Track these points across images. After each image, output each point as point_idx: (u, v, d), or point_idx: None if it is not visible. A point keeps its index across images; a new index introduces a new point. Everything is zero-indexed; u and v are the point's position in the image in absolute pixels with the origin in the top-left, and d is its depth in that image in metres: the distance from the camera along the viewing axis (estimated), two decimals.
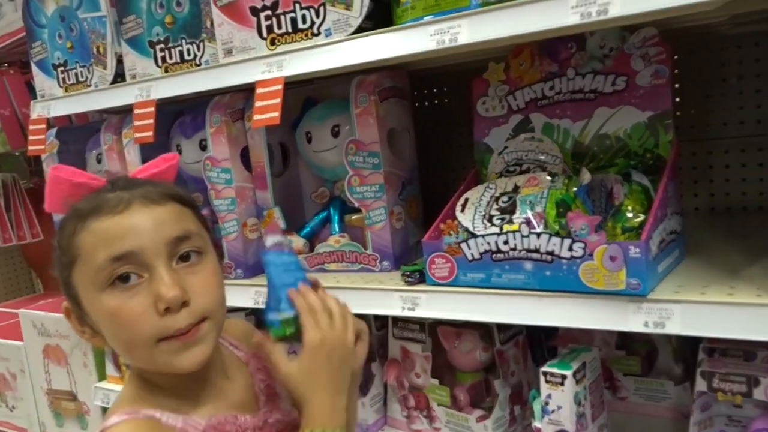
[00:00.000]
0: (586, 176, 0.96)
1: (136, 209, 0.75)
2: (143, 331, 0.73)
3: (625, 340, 1.20)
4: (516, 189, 1.05)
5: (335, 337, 0.79)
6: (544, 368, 0.96)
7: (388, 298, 1.09)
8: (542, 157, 1.09)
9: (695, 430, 0.93)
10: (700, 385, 0.91)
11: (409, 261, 1.26)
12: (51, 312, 1.70)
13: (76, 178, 0.78)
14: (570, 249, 0.89)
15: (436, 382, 1.16)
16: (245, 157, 1.33)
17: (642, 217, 0.86)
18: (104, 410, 1.64)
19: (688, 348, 1.16)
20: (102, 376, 1.64)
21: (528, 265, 0.94)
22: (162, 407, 0.77)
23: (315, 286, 0.87)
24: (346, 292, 1.14)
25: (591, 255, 0.87)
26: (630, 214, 0.86)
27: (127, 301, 0.72)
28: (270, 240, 0.87)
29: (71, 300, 0.79)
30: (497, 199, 1.05)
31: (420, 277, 1.08)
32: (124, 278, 0.73)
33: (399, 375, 1.23)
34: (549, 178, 1.02)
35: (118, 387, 1.59)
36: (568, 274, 0.90)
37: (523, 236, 0.93)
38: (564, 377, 0.94)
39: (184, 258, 0.76)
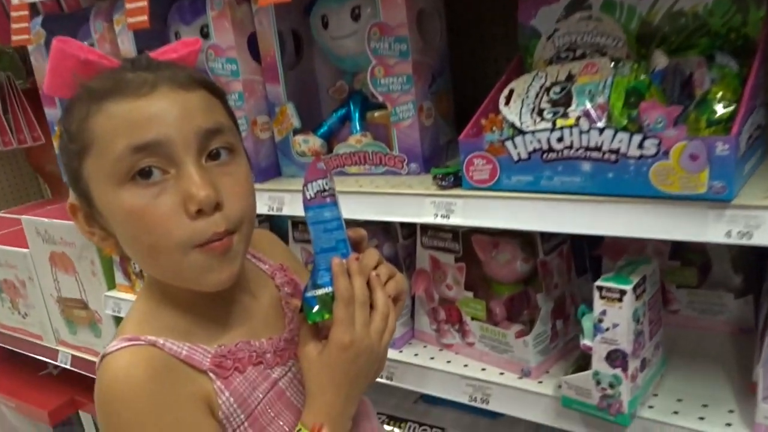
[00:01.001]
0: (661, 59, 0.80)
1: (162, 93, 0.63)
2: (173, 235, 0.62)
3: (679, 249, 1.08)
4: (570, 78, 0.89)
5: (367, 344, 0.68)
6: (599, 282, 0.85)
7: (419, 204, 0.97)
8: (601, 40, 0.93)
9: None
10: None
11: (440, 163, 1.13)
12: (56, 218, 1.60)
13: (86, 54, 0.65)
14: (640, 146, 0.75)
15: (470, 294, 1.06)
16: (253, 46, 1.17)
17: (732, 107, 0.71)
18: (117, 320, 1.58)
19: (747, 258, 1.05)
20: (111, 284, 1.57)
21: (586, 166, 0.81)
22: (169, 331, 0.67)
23: (358, 245, 0.74)
24: (369, 198, 1.02)
25: (666, 153, 0.73)
26: (719, 105, 0.71)
27: (152, 200, 0.62)
28: (310, 189, 0.71)
29: (80, 196, 0.67)
30: (548, 90, 0.90)
31: (455, 181, 0.95)
32: (146, 173, 0.62)
33: (428, 287, 1.13)
34: (612, 63, 0.86)
35: (129, 296, 1.52)
36: (635, 176, 0.77)
37: (581, 132, 0.79)
38: (623, 293, 0.82)
39: (214, 156, 0.65)
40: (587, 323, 0.88)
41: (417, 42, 1.04)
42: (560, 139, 0.81)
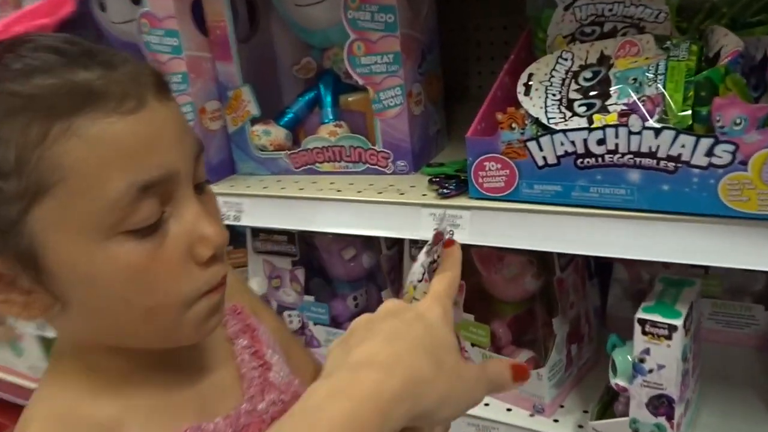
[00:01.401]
0: (729, 39, 0.63)
1: (152, 108, 0.45)
2: (182, 291, 0.48)
3: None
4: (604, 60, 0.72)
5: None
6: (642, 314, 0.70)
7: (414, 216, 0.79)
8: (637, 12, 0.75)
9: None
10: None
11: (430, 158, 0.95)
12: None
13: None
14: (709, 153, 0.59)
15: (470, 317, 0.90)
16: (198, 15, 0.94)
17: None
18: (42, 340, 1.35)
19: None
20: None
21: (634, 175, 0.64)
22: (94, 428, 0.48)
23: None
24: (350, 208, 0.83)
25: (744, 163, 0.58)
26: None
27: (156, 252, 0.46)
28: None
29: (6, 254, 0.45)
30: (576, 75, 0.73)
31: (458, 187, 0.78)
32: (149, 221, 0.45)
33: None
34: (656, 42, 0.69)
35: None
36: (699, 191, 0.61)
37: (631, 132, 0.62)
38: (673, 328, 0.68)
39: (199, 181, 0.50)
40: (621, 360, 0.74)
41: (406, 12, 0.84)
42: (601, 141, 0.64)
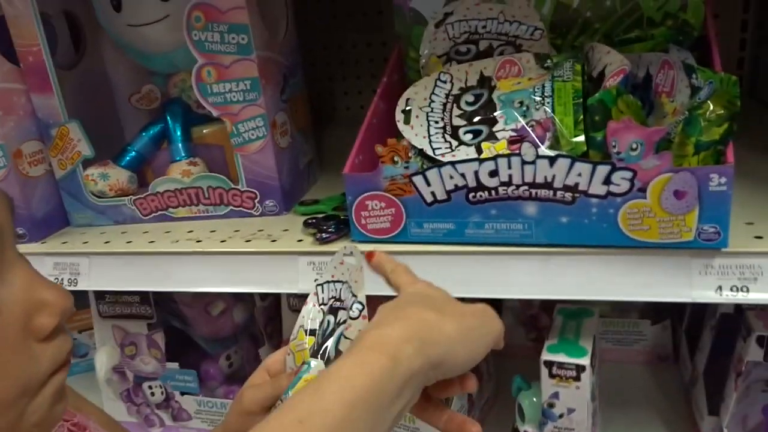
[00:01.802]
0: (612, 57, 0.60)
1: None
2: (20, 379, 0.37)
3: None
4: (485, 81, 0.66)
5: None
6: (548, 356, 0.64)
7: (290, 266, 0.68)
8: (511, 29, 0.71)
9: (735, 405, 0.69)
10: (754, 353, 0.66)
11: (302, 194, 0.85)
12: None
13: None
14: (607, 181, 0.54)
15: None
16: (4, 38, 0.77)
17: (725, 125, 0.53)
18: None
19: None
20: None
21: (530, 208, 0.58)
22: None
23: None
24: (212, 261, 0.71)
25: (643, 190, 0.54)
26: (712, 121, 0.53)
27: None
28: None
29: None
30: (457, 99, 0.66)
31: (338, 229, 0.68)
32: None
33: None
34: (538, 61, 0.65)
35: None
36: (598, 221, 0.56)
37: (524, 162, 0.56)
38: (581, 368, 0.63)
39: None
40: (528, 404, 0.68)
41: (261, 31, 0.73)
42: (494, 173, 0.57)
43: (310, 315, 0.53)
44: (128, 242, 0.76)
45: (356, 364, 0.38)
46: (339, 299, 0.52)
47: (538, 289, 0.60)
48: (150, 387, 0.87)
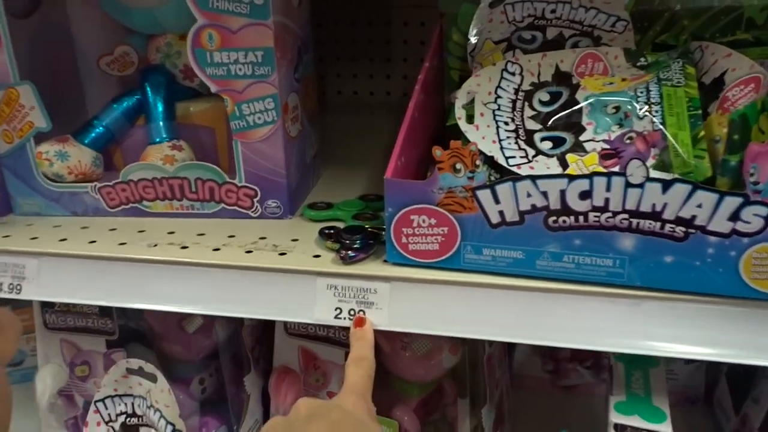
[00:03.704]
0: (742, 63, 0.48)
1: None
2: None
3: None
4: (562, 78, 0.54)
5: None
6: (618, 417, 0.53)
7: (305, 288, 0.54)
8: (586, 17, 0.58)
9: None
10: None
11: (306, 195, 0.71)
12: None
13: None
14: (735, 217, 0.43)
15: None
16: None
17: None
18: None
19: None
20: None
21: (627, 242, 0.47)
22: None
23: None
24: (201, 274, 0.56)
25: None
26: None
27: None
28: None
29: None
30: (529, 97, 0.54)
31: (365, 245, 0.55)
32: None
33: (297, 394, 0.71)
34: (629, 58, 0.53)
35: None
36: (714, 264, 0.45)
37: (629, 184, 0.44)
38: None
39: None
40: None
41: None
42: (586, 194, 0.45)
43: None
44: (91, 242, 0.60)
45: None
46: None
47: (625, 341, 0.49)
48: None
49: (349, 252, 0.54)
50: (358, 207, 0.64)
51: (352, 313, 0.53)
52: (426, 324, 0.52)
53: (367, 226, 0.57)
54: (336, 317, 0.53)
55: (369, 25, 1.13)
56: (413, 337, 0.67)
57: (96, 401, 0.44)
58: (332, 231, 0.58)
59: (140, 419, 0.43)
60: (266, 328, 0.73)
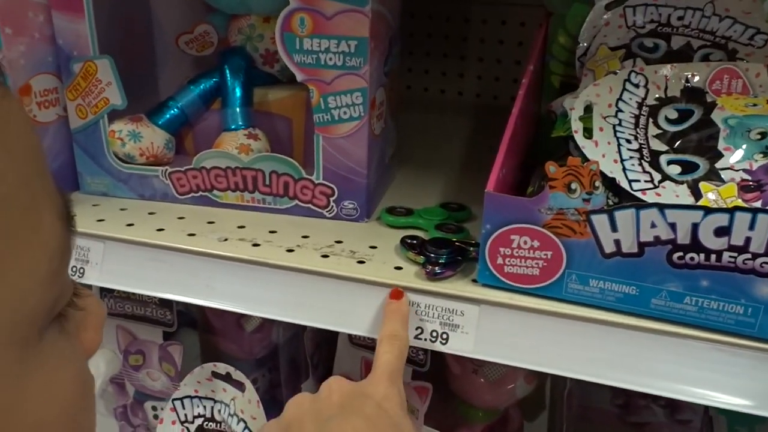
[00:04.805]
0: None
1: None
2: None
3: None
4: (693, 93, 0.48)
5: None
6: None
7: (380, 301, 0.50)
8: (718, 27, 0.52)
9: None
10: None
11: (382, 197, 0.66)
12: None
13: None
14: None
15: None
16: None
17: None
18: None
19: None
20: None
21: (765, 289, 0.41)
22: None
23: None
24: (273, 276, 0.52)
25: None
26: None
27: None
28: None
29: None
30: (654, 113, 0.48)
31: (452, 261, 0.50)
32: None
33: None
34: None
35: None
36: None
37: None
38: None
39: None
40: None
41: None
42: (723, 230, 0.40)
43: None
44: (159, 230, 0.57)
45: None
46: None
47: (751, 400, 0.43)
48: (154, 408, 0.69)
49: (436, 268, 0.49)
50: (441, 216, 0.59)
51: (434, 334, 0.49)
52: (515, 355, 0.48)
53: (453, 240, 0.53)
54: (416, 337, 0.49)
55: (447, 21, 1.08)
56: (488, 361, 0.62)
57: (174, 399, 0.42)
58: (416, 241, 0.53)
59: (219, 425, 0.41)
60: (329, 333, 0.69)
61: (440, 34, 1.08)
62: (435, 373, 0.63)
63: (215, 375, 0.50)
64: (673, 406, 0.79)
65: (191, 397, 0.44)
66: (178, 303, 0.68)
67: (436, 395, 0.64)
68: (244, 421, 0.42)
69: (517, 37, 1.03)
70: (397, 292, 0.49)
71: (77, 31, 0.59)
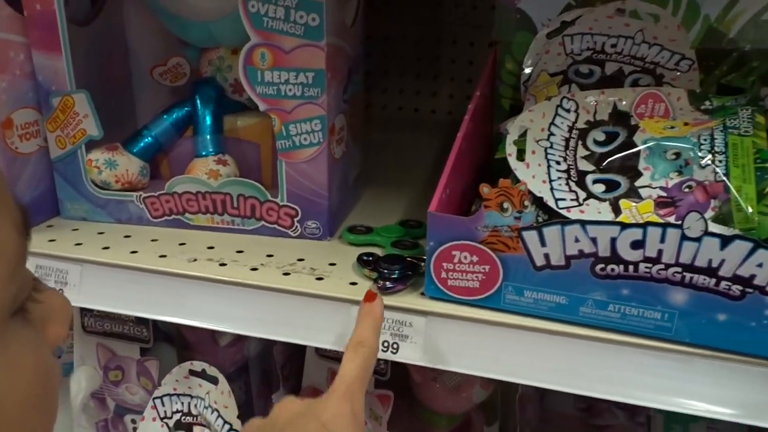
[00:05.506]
0: None
1: None
2: None
3: None
4: (620, 117, 0.52)
5: None
6: None
7: (340, 315, 0.53)
8: (648, 53, 0.57)
9: None
10: None
11: (346, 215, 0.70)
12: None
13: None
14: None
15: None
16: None
17: None
18: None
19: None
20: None
21: (678, 296, 0.44)
22: None
23: None
24: (239, 294, 0.56)
25: None
26: None
27: None
28: None
29: None
30: (583, 136, 0.52)
31: (404, 276, 0.54)
32: None
33: None
34: (693, 101, 0.51)
35: None
36: None
37: (685, 237, 0.42)
38: None
39: None
40: None
41: (335, 11, 0.59)
42: (638, 244, 0.44)
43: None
44: (133, 252, 0.61)
45: None
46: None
47: (667, 398, 0.47)
48: (134, 421, 0.72)
49: (387, 282, 0.53)
50: (398, 233, 0.63)
51: (385, 345, 0.52)
52: (460, 362, 0.51)
53: (406, 256, 0.56)
54: None
55: (419, 42, 1.12)
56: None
57: (154, 398, 0.47)
58: (371, 258, 0.57)
59: (195, 418, 0.45)
60: (298, 347, 0.72)
61: (413, 55, 1.12)
62: (398, 382, 0.66)
63: (192, 372, 0.54)
64: (632, 408, 0.82)
65: (170, 395, 0.48)
66: (153, 321, 0.72)
67: (401, 403, 0.67)
68: (217, 411, 0.46)
69: (486, 57, 1.07)
70: (370, 295, 0.49)
71: (55, 68, 0.63)
